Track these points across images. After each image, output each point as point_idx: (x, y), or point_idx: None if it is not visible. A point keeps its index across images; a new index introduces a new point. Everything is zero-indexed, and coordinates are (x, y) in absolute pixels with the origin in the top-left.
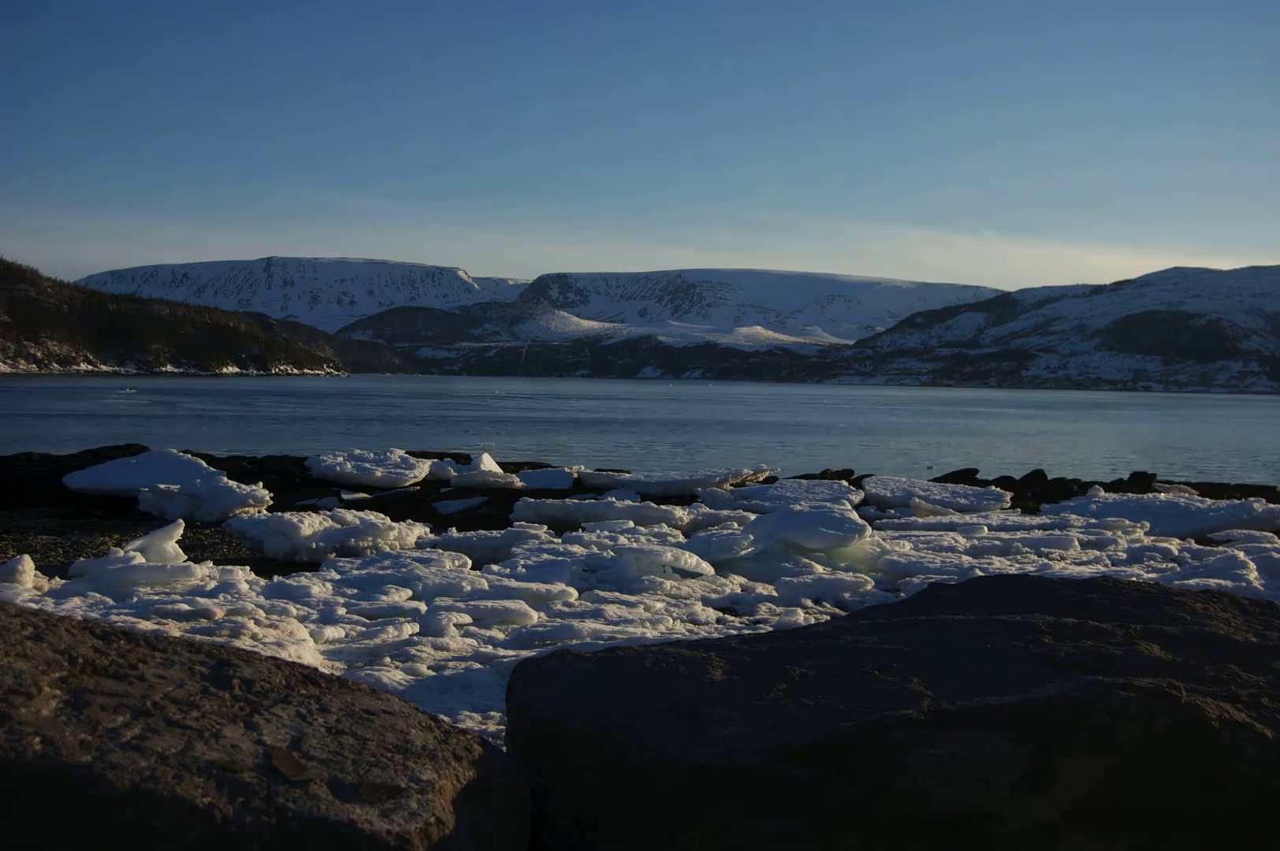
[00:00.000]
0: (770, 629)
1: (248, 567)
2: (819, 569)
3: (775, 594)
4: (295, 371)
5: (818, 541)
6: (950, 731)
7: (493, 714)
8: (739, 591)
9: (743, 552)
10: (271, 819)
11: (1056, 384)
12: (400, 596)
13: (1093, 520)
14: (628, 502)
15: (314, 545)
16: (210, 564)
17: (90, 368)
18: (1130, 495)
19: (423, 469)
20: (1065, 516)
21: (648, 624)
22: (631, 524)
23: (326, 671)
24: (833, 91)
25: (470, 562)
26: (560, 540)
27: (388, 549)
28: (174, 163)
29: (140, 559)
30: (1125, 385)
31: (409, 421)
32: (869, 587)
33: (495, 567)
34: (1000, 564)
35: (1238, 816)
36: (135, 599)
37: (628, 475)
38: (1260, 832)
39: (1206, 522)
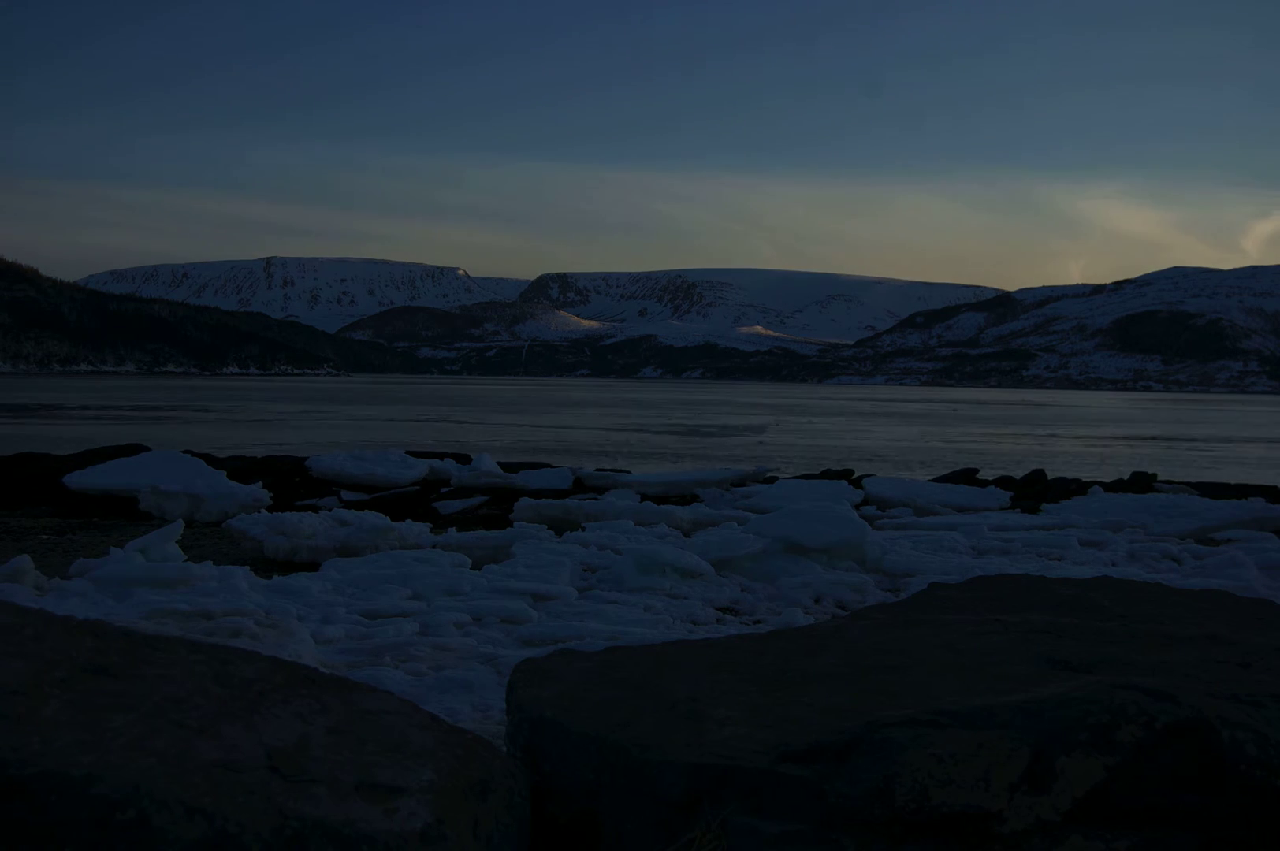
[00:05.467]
0: (770, 629)
1: (248, 567)
2: (819, 569)
3: (775, 594)
4: (295, 371)
5: (818, 541)
6: (950, 731)
7: (493, 714)
8: (739, 591)
9: (743, 552)
10: (271, 819)
11: (1056, 384)
12: (400, 596)
13: (1093, 520)
14: (628, 503)
15: (314, 545)
16: (210, 564)
17: (90, 368)
18: (1130, 495)
19: (423, 469)
20: (1065, 516)
21: (648, 624)
22: (632, 524)
23: (326, 671)
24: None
25: (470, 562)
26: (560, 540)
27: (388, 549)
28: (175, 161)
29: (140, 559)
30: (1125, 385)
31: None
32: (869, 587)
33: (495, 567)
34: (1000, 564)
35: (1238, 816)
36: (135, 599)
37: (628, 475)
38: (1260, 832)
39: (1206, 522)
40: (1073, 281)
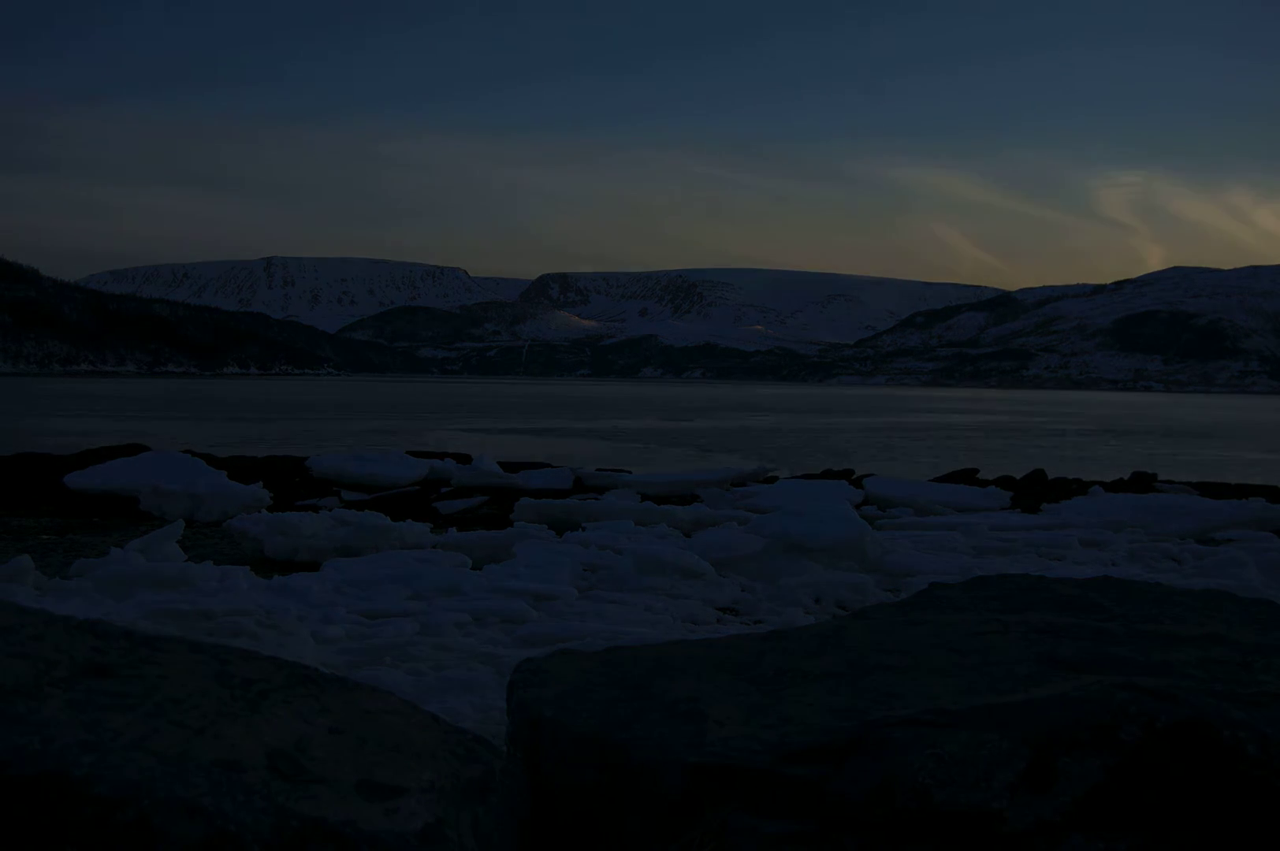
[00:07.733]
0: (770, 629)
1: (248, 568)
2: (819, 569)
3: (775, 594)
4: (295, 371)
5: (818, 541)
6: (950, 731)
7: (493, 714)
8: (739, 591)
9: (743, 553)
10: (271, 819)
11: (1057, 384)
12: (400, 596)
13: (1093, 520)
14: (628, 503)
15: (314, 545)
16: (210, 564)
17: (90, 368)
18: (1130, 495)
19: (423, 469)
20: (1065, 516)
21: (648, 624)
22: (632, 524)
23: (327, 671)
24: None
25: (470, 562)
26: (560, 540)
27: (388, 549)
28: (175, 160)
29: (140, 559)
30: (1126, 385)
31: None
32: (869, 587)
33: (495, 567)
34: (1000, 564)
35: (1238, 816)
36: (135, 599)
37: (628, 475)
38: (1260, 832)
39: (1206, 522)
40: (965, 257)
